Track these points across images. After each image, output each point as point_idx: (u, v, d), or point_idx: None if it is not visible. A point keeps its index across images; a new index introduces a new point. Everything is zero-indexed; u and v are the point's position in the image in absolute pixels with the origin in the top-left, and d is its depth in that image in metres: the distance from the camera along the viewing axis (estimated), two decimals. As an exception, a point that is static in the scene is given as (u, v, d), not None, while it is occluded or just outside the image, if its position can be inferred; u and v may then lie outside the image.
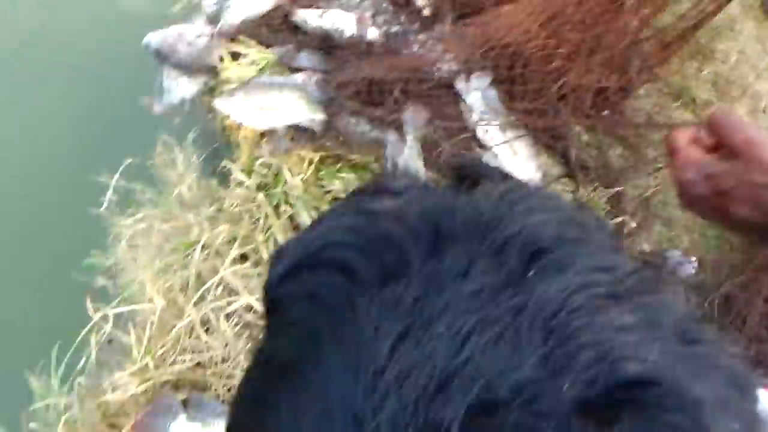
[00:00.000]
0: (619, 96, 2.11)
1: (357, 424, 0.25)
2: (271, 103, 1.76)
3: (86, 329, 1.43)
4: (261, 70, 1.91)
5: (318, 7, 1.95)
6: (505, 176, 0.40)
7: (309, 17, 1.88)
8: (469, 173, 0.39)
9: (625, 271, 0.30)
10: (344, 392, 0.26)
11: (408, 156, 1.76)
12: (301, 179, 1.65)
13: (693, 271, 1.86)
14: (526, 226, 0.30)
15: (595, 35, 2.10)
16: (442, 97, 1.93)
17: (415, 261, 0.29)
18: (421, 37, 1.94)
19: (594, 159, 1.99)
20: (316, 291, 0.30)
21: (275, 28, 1.97)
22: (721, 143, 0.67)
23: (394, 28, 1.96)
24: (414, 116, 1.81)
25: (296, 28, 1.94)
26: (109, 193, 1.62)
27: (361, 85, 1.80)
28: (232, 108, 1.75)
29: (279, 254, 0.35)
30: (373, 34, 1.88)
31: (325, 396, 0.27)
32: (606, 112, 2.06)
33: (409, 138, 1.78)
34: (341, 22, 1.86)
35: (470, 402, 0.24)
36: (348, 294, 0.29)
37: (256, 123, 1.72)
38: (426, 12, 2.04)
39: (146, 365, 1.34)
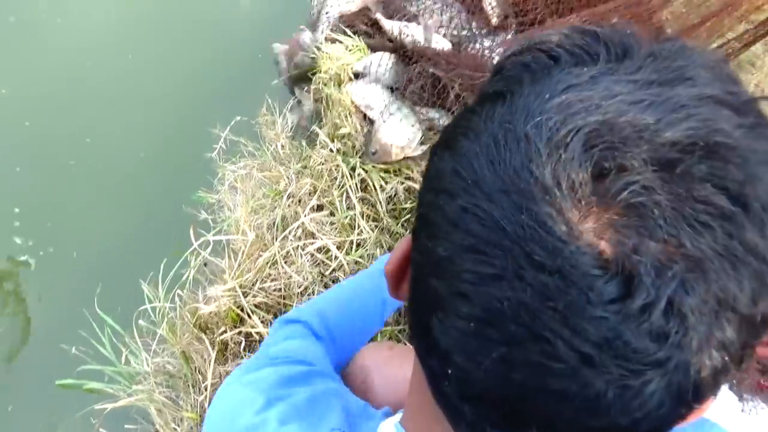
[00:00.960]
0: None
1: (527, 117, 0.31)
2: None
3: (189, 251, 1.40)
4: (351, 52, 1.83)
5: (401, 18, 1.83)
6: None
7: (388, 26, 1.78)
8: None
9: (749, 101, 0.32)
10: (528, 103, 0.31)
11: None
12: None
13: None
14: (689, 64, 0.32)
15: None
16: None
17: (602, 60, 0.33)
18: (487, 42, 1.82)
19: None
20: (529, 62, 0.34)
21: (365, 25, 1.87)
22: None
23: (465, 32, 1.83)
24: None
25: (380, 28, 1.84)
26: (220, 142, 1.58)
27: (427, 80, 1.70)
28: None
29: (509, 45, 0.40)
30: (441, 43, 1.76)
31: (515, 103, 0.32)
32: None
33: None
34: (416, 35, 1.75)
35: (600, 120, 0.29)
36: (549, 67, 0.33)
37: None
38: (494, 21, 1.91)
39: (234, 287, 1.30)
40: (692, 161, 0.28)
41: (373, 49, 1.83)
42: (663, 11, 2.08)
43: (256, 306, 1.31)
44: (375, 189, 1.56)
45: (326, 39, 1.84)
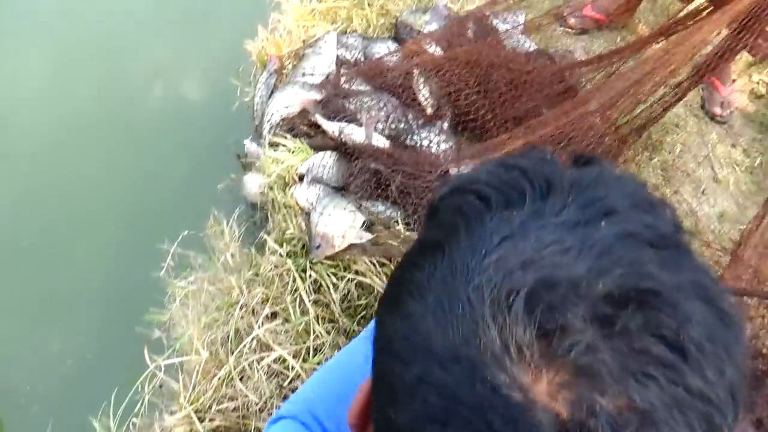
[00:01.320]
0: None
1: (468, 276, 0.32)
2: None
3: (143, 377, 1.37)
4: (294, 154, 1.87)
5: (341, 117, 1.90)
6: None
7: (328, 127, 1.85)
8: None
9: (667, 233, 0.35)
10: (466, 260, 0.33)
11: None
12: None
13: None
14: (609, 194, 0.35)
15: (566, 134, 2.06)
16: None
17: (529, 199, 0.35)
18: (424, 133, 1.90)
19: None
20: (461, 206, 0.37)
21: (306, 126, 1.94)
22: None
23: (402, 125, 1.91)
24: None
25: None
26: (168, 259, 1.57)
27: (369, 175, 1.75)
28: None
29: (444, 180, 0.46)
30: (380, 140, 1.83)
31: (454, 260, 0.34)
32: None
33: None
34: (355, 134, 1.82)
35: (537, 277, 0.31)
36: (480, 211, 0.36)
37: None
38: (429, 111, 2.00)
39: (189, 414, 1.27)
40: (628, 315, 0.30)
41: (316, 148, 1.89)
42: (586, 83, 2.21)
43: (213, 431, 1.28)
44: (328, 289, 1.57)
45: (269, 144, 1.89)
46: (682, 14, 2.13)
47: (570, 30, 2.55)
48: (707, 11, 1.97)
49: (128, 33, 2.39)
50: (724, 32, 2.35)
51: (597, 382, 0.29)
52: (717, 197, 2.23)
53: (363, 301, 1.61)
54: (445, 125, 2.00)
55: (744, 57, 2.48)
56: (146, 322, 1.54)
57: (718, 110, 2.47)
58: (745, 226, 2.00)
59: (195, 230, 1.66)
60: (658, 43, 2.06)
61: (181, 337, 1.47)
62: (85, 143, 2.08)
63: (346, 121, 1.90)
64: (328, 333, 1.50)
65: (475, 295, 0.32)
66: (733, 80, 2.52)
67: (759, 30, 2.15)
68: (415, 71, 2.01)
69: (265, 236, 1.61)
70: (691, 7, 2.19)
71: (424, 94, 1.99)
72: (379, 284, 1.62)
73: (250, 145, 1.93)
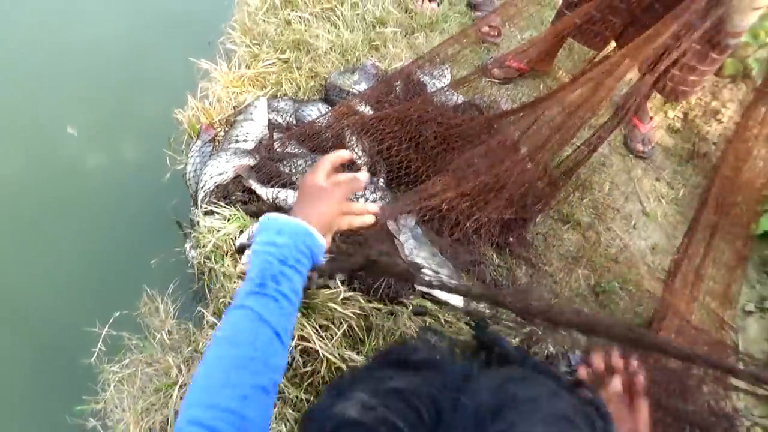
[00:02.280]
0: (521, 225, 2.10)
1: None
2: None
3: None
4: (230, 221, 1.85)
5: (275, 182, 1.91)
6: (519, 354, 0.44)
7: (261, 193, 1.85)
8: (487, 344, 0.41)
9: None
10: None
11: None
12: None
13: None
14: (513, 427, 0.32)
15: (499, 179, 2.12)
16: (381, 236, 1.89)
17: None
18: (358, 192, 1.91)
19: (505, 277, 1.95)
20: None
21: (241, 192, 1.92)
22: None
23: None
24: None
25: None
26: (99, 343, 1.50)
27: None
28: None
29: (309, 417, 0.38)
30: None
31: None
32: (511, 239, 2.04)
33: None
34: (290, 199, 1.82)
35: None
36: None
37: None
38: (363, 168, 2.02)
39: None
40: None
41: (252, 215, 1.88)
42: (515, 130, 2.29)
43: None
44: (271, 359, 1.52)
45: (203, 212, 1.87)
46: (596, 59, 2.26)
47: (495, 80, 2.66)
48: (617, 56, 2.10)
49: (57, 102, 2.34)
50: (636, 75, 2.51)
51: None
52: (648, 230, 2.32)
53: (309, 368, 1.58)
54: (380, 181, 2.03)
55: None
56: (79, 411, 1.45)
57: (640, 146, 2.60)
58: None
59: (128, 310, 1.59)
60: (576, 88, 2.17)
61: (117, 426, 1.39)
62: (8, 217, 2.00)
63: (280, 185, 1.90)
64: (274, 405, 1.45)
65: None
66: (651, 117, 2.67)
67: (664, 73, 2.31)
68: (347, 131, 2.05)
69: (203, 310, 1.56)
70: (604, 53, 2.34)
71: (357, 152, 2.02)
72: (325, 349, 1.59)
73: (192, 215, 1.90)
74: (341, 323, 1.62)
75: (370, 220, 0.93)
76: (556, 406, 0.37)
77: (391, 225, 1.91)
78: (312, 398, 1.55)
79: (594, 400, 0.41)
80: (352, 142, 2.03)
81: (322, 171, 0.88)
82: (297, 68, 2.31)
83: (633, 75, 2.57)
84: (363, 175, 0.93)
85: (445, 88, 2.32)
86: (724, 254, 1.78)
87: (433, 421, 0.32)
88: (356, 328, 1.67)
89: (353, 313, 1.67)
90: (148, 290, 1.64)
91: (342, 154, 0.93)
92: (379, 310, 1.72)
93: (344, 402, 0.36)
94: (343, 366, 1.58)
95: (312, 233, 0.80)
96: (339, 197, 0.86)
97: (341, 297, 1.69)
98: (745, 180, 1.78)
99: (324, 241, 0.82)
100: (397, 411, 0.33)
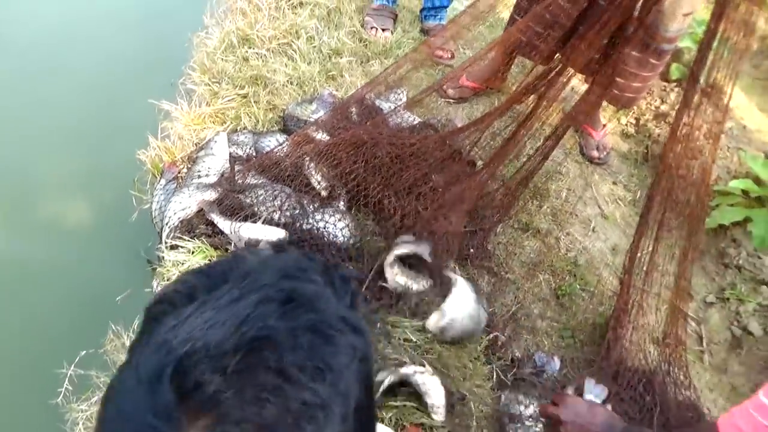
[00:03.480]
0: (481, 236, 2.15)
1: (138, 367, 0.43)
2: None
3: None
4: (194, 254, 1.88)
5: (238, 214, 1.95)
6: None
7: (223, 226, 1.89)
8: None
9: (304, 292, 0.48)
10: (143, 353, 0.44)
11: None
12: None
13: (558, 367, 1.83)
14: (265, 272, 0.49)
15: (458, 193, 2.18)
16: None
17: (200, 294, 0.47)
18: (318, 216, 1.96)
19: (468, 288, 1.98)
20: (154, 313, 0.48)
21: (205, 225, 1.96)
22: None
23: (297, 211, 1.96)
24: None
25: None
26: (65, 383, 1.51)
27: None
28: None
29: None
30: (275, 232, 1.88)
31: (137, 356, 0.45)
32: (472, 249, 2.09)
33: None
34: (250, 231, 1.86)
35: (183, 352, 0.41)
36: (165, 313, 0.47)
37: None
38: (324, 193, 2.07)
39: None
40: (242, 359, 0.41)
41: (216, 247, 1.91)
42: (469, 145, 2.36)
43: None
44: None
45: (168, 247, 1.90)
46: (541, 72, 2.34)
47: (450, 100, 2.74)
48: (559, 67, 2.17)
49: (22, 152, 2.38)
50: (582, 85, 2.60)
51: (227, 416, 0.39)
52: (607, 232, 2.38)
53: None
54: (341, 205, 2.08)
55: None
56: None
57: (595, 153, 2.68)
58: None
59: (95, 348, 1.61)
60: (524, 100, 2.25)
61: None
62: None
63: (243, 216, 1.94)
64: None
65: (137, 378, 0.42)
66: (604, 125, 2.75)
67: (608, 81, 2.39)
68: (306, 159, 2.10)
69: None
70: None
71: (316, 178, 2.07)
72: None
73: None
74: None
75: None
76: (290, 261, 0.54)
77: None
78: None
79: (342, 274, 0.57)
80: (311, 169, 2.08)
81: None
82: (255, 102, 2.37)
83: (580, 84, 2.66)
84: None
85: (400, 110, 2.38)
86: (675, 249, 1.84)
87: (219, 282, 0.48)
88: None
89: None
90: (114, 327, 1.65)
91: None
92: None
93: (171, 284, 0.52)
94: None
95: None
96: None
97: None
98: (687, 176, 1.85)
99: None
100: (195, 281, 0.50)
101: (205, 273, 0.50)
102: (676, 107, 1.86)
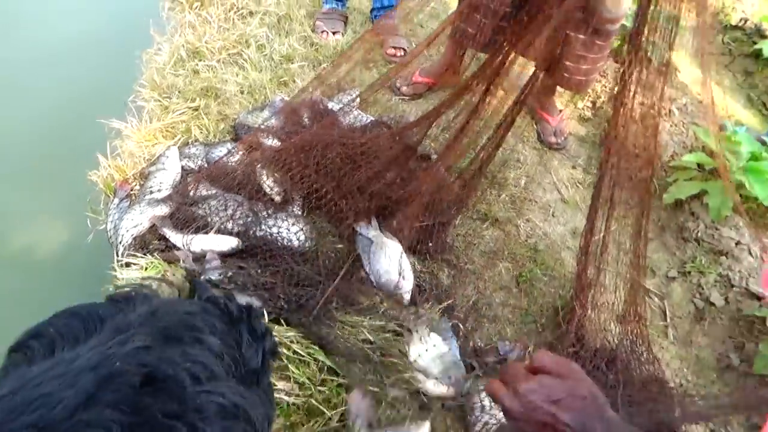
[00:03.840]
0: (439, 230, 2.15)
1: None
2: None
3: None
4: (148, 270, 1.86)
5: (191, 227, 1.94)
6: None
7: (175, 240, 1.88)
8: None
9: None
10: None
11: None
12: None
13: (521, 354, 1.82)
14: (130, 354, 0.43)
15: (415, 188, 2.18)
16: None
17: (65, 344, 0.45)
18: (271, 221, 1.95)
19: (427, 282, 1.98)
20: (14, 358, 0.46)
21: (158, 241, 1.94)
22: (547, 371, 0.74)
23: (249, 219, 1.95)
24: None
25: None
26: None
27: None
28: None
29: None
30: (228, 241, 1.87)
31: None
32: (430, 243, 2.08)
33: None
34: (201, 243, 1.85)
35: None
36: (21, 360, 0.45)
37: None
38: (278, 199, 2.06)
39: None
40: None
41: (171, 262, 1.89)
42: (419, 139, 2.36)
43: None
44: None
45: (121, 265, 1.88)
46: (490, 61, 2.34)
47: (404, 97, 2.74)
48: (507, 55, 2.18)
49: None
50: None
51: None
52: (567, 216, 2.38)
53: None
54: (296, 209, 2.07)
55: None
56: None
57: (552, 139, 2.69)
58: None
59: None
60: (473, 90, 2.25)
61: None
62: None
63: (195, 228, 1.93)
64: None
65: None
66: (560, 110, 2.76)
67: (557, 65, 2.40)
68: (257, 165, 2.09)
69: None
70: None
71: (269, 184, 2.06)
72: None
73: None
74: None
75: None
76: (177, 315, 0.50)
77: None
78: None
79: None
80: (263, 176, 2.07)
81: None
82: (206, 114, 2.36)
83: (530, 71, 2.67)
84: None
85: (352, 110, 2.38)
86: (628, 226, 1.84)
87: (78, 334, 0.46)
88: (284, 359, 1.68)
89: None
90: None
91: None
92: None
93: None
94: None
95: None
96: None
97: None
98: (632, 152, 1.86)
99: None
100: (56, 330, 0.46)
101: (82, 316, 0.47)
102: (641, 86, 1.88)
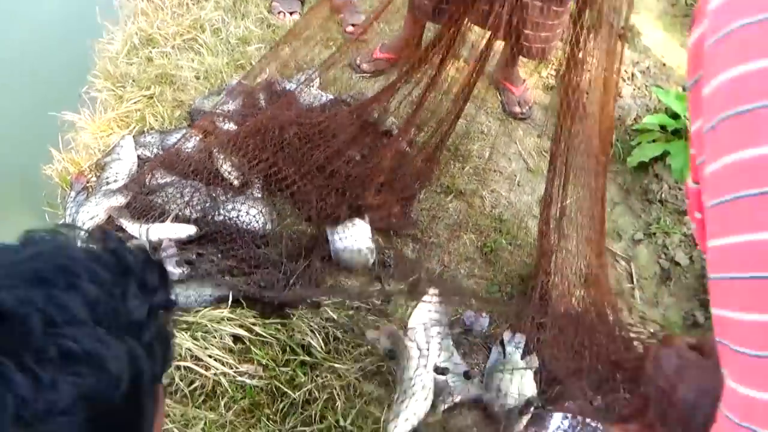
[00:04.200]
0: (403, 205, 2.14)
1: None
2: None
3: None
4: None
5: (149, 215, 1.91)
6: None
7: (132, 231, 1.85)
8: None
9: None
10: None
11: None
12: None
13: (487, 324, 1.83)
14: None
15: (376, 164, 2.16)
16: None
17: None
18: (230, 205, 1.92)
19: (393, 258, 1.97)
20: None
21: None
22: None
23: (207, 204, 1.93)
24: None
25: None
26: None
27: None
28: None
29: None
30: (185, 229, 1.84)
31: None
32: (393, 220, 2.07)
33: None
34: (158, 232, 1.83)
35: None
36: None
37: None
38: (236, 183, 2.04)
39: None
40: None
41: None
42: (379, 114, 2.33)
43: None
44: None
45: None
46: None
47: (366, 74, 2.71)
48: (462, 25, 2.15)
49: None
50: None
51: None
52: (533, 185, 2.38)
53: (197, 384, 1.57)
54: (256, 192, 2.04)
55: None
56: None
57: (517, 109, 2.67)
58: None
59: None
60: (430, 61, 2.22)
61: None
62: None
63: (153, 216, 1.90)
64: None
65: None
66: (524, 80, 2.75)
67: (516, 34, 2.38)
68: (214, 150, 2.06)
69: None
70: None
71: (226, 169, 2.03)
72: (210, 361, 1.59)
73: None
74: (222, 337, 1.62)
75: None
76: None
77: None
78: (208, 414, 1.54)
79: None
80: (220, 160, 2.04)
81: None
82: (161, 101, 2.32)
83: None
84: None
85: (310, 89, 2.35)
86: (586, 189, 1.84)
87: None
88: (247, 341, 1.67)
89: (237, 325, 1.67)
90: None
91: None
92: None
93: None
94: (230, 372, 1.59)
95: None
96: None
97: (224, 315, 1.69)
98: (587, 114, 1.85)
99: None
100: None
101: None
102: (568, 45, 1.87)
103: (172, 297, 0.60)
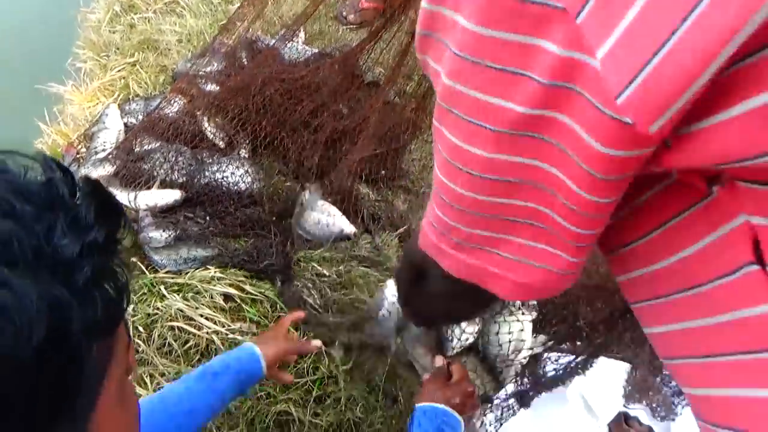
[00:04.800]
0: (394, 156, 2.11)
1: None
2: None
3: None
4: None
5: (138, 182, 1.91)
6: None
7: (121, 198, 1.86)
8: None
9: None
10: None
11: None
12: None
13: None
14: None
15: (363, 116, 2.13)
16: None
17: None
18: (215, 167, 1.91)
19: (383, 210, 1.95)
20: None
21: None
22: None
23: (192, 167, 1.92)
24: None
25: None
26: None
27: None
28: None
29: None
30: (171, 194, 1.84)
31: None
32: (383, 172, 2.05)
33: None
34: (147, 199, 1.83)
35: None
36: None
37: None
38: (222, 144, 2.02)
39: None
40: None
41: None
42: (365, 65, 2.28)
43: None
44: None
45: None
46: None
47: (353, 26, 2.65)
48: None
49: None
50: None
51: None
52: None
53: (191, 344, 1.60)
54: (243, 152, 2.03)
55: None
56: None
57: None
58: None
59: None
60: (413, 6, 2.15)
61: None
62: None
63: (139, 184, 1.91)
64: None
65: None
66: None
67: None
68: (198, 112, 2.04)
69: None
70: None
71: (211, 130, 2.02)
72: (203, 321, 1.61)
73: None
74: (212, 296, 1.64)
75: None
76: None
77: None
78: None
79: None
80: (205, 123, 2.03)
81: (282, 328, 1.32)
82: (144, 68, 2.30)
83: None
84: (315, 344, 1.37)
85: (299, 44, 2.31)
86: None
87: None
88: (238, 300, 1.69)
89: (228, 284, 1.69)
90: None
91: (298, 316, 1.42)
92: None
93: None
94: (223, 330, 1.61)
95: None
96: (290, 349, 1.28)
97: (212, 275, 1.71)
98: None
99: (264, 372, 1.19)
100: None
101: None
102: None
103: (122, 234, 0.52)
